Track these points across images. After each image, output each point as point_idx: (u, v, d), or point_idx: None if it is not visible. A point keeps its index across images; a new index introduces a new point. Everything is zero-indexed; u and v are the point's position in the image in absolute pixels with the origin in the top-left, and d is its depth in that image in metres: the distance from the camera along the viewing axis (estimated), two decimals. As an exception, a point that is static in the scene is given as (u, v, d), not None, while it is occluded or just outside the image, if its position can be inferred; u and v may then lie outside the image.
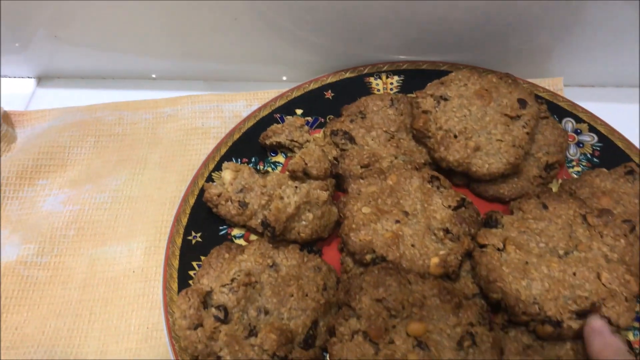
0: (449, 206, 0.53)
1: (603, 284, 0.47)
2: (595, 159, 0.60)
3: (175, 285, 0.51)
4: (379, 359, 0.43)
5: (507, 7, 0.61)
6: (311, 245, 0.55)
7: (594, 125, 0.62)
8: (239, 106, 0.68)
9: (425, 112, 0.60)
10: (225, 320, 0.48)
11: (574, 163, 0.60)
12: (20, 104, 0.73)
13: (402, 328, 0.45)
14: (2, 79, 0.75)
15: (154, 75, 0.75)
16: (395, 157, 0.60)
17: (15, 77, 0.76)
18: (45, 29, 0.70)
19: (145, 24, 0.68)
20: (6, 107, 0.68)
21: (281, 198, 0.53)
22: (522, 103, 0.59)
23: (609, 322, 0.46)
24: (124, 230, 0.59)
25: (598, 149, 0.60)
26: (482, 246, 0.51)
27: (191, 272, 0.52)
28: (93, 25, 0.69)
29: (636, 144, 0.60)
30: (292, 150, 0.60)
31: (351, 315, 0.46)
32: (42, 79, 0.76)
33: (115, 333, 0.53)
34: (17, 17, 0.68)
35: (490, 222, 0.53)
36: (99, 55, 0.73)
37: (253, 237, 0.55)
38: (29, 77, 0.76)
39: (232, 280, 0.49)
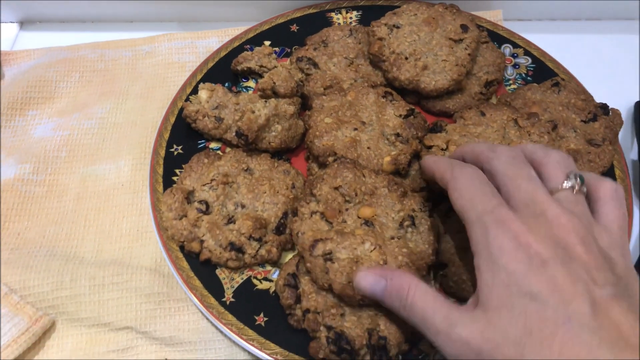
0: (400, 115, 0.61)
1: (529, 172, 0.56)
2: (529, 78, 0.68)
3: (160, 188, 0.58)
4: (331, 232, 0.51)
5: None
6: (281, 155, 0.62)
7: (529, 50, 0.70)
8: (212, 42, 0.74)
9: (380, 39, 0.67)
10: (206, 212, 0.55)
11: (511, 82, 0.69)
12: (5, 47, 0.77)
13: (354, 211, 0.53)
14: (-15, 23, 0.79)
15: (132, 20, 0.80)
16: (355, 80, 0.67)
17: (-2, 22, 0.80)
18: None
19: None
20: (-8, 49, 0.73)
21: (252, 112, 0.60)
22: (465, 28, 0.66)
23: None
24: (111, 151, 0.65)
25: (532, 69, 0.69)
26: (429, 147, 0.59)
27: (174, 178, 0.59)
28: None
29: (565, 65, 0.68)
30: (261, 76, 0.67)
31: (312, 200, 0.53)
32: (25, 24, 0.80)
33: (109, 236, 0.59)
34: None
35: (435, 129, 0.61)
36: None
37: (229, 149, 0.62)
38: (11, 22, 0.80)
39: (212, 180, 0.56)
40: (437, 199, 0.58)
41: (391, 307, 0.44)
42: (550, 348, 0.34)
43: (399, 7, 0.70)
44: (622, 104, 0.66)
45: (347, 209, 0.53)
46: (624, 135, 0.67)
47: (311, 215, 0.52)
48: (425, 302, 0.41)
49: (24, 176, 0.63)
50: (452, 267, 0.53)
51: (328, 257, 0.49)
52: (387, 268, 0.47)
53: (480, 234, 0.40)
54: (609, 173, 0.59)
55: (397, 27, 0.67)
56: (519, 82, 0.68)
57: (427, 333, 0.40)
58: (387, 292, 0.44)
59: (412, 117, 0.61)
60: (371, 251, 0.49)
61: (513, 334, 0.35)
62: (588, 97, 0.63)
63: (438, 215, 0.56)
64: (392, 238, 0.51)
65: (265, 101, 0.61)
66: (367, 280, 0.45)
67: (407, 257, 0.49)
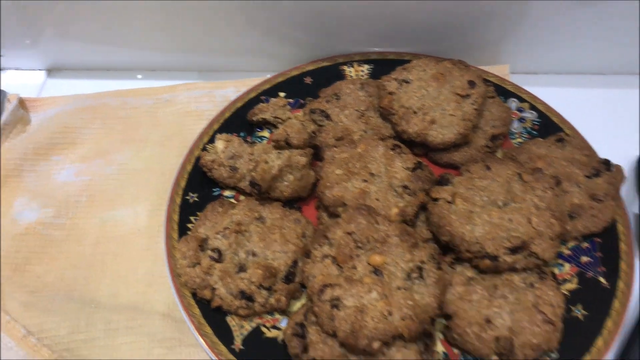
0: (408, 167, 0.63)
1: (533, 227, 0.57)
2: (534, 132, 0.70)
3: (175, 235, 0.60)
4: (341, 278, 0.52)
5: (462, 6, 0.71)
6: (292, 203, 0.65)
7: (534, 104, 0.72)
8: (229, 92, 0.78)
9: (390, 93, 0.70)
10: (219, 260, 0.57)
11: (517, 135, 0.71)
12: (33, 93, 0.81)
13: (364, 258, 0.54)
14: (16, 71, 0.84)
15: (154, 69, 0.84)
16: (365, 132, 0.69)
17: (27, 70, 0.85)
18: (53, 27, 0.79)
19: (145, 21, 0.77)
20: (21, 95, 0.77)
21: (266, 162, 0.62)
22: (472, 84, 0.69)
23: (537, 257, 0.56)
24: (129, 197, 0.68)
25: (537, 123, 0.71)
26: (435, 199, 0.61)
27: (189, 225, 0.61)
28: (97, 22, 0.78)
29: (569, 120, 0.70)
30: (276, 126, 0.70)
31: (325, 243, 0.55)
32: (52, 71, 0.85)
33: (125, 281, 0.61)
34: (27, 16, 0.77)
35: (442, 181, 0.62)
36: (103, 49, 0.82)
37: (242, 198, 0.65)
38: (39, 70, 0.85)
39: (225, 228, 0.59)
40: (443, 250, 0.59)
41: None
42: None
43: (409, 61, 0.73)
44: (625, 158, 0.68)
45: (358, 255, 0.54)
46: (628, 188, 0.68)
47: (323, 259, 0.54)
48: None
49: (45, 220, 0.65)
50: (456, 319, 0.54)
51: (335, 303, 0.51)
52: None
53: None
54: (611, 228, 0.60)
55: (407, 82, 0.70)
56: (525, 135, 0.70)
57: None
58: None
59: (419, 169, 0.63)
60: (377, 301, 0.51)
61: None
62: (591, 153, 0.65)
63: (445, 266, 0.57)
64: (399, 288, 0.52)
65: (279, 152, 0.63)
66: None
67: (411, 309, 0.51)
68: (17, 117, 0.74)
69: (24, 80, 0.82)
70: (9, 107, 0.74)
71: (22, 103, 0.75)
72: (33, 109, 0.77)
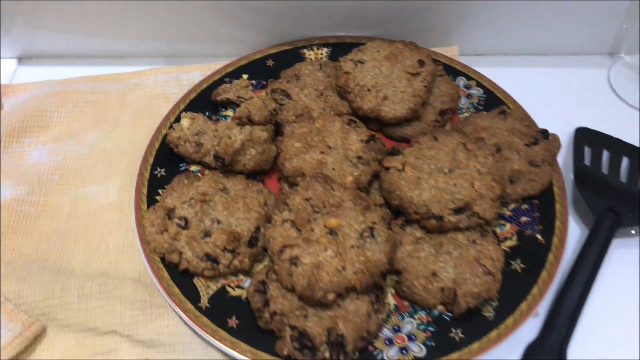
0: (362, 140, 0.68)
1: (475, 190, 0.62)
2: (480, 107, 0.76)
3: (144, 207, 0.64)
4: (299, 239, 0.57)
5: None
6: (255, 176, 0.69)
7: (480, 82, 0.78)
8: (195, 75, 0.81)
9: (346, 72, 0.74)
10: (185, 227, 0.61)
11: (464, 110, 0.76)
12: (4, 81, 0.84)
13: (321, 221, 0.59)
14: (-14, 60, 0.86)
15: (122, 56, 0.88)
16: (324, 110, 0.74)
17: (-3, 58, 0.87)
18: (23, 16, 0.82)
19: (113, 10, 0.80)
20: (-8, 83, 0.80)
21: (229, 137, 0.66)
22: (421, 63, 0.74)
23: (479, 217, 0.61)
24: (100, 175, 0.71)
25: (483, 99, 0.76)
26: (387, 168, 0.65)
27: (157, 197, 0.65)
28: (66, 12, 0.80)
29: (513, 96, 0.76)
30: (239, 106, 0.74)
31: (285, 209, 0.60)
32: (23, 59, 0.87)
33: (97, 251, 0.65)
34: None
35: (393, 152, 0.67)
36: (72, 37, 0.85)
37: (207, 172, 0.69)
38: (10, 58, 0.87)
39: (191, 198, 0.63)
40: (394, 214, 0.64)
41: None
42: None
43: (364, 44, 0.78)
44: (563, 130, 0.74)
45: (315, 219, 0.59)
46: (566, 157, 0.74)
47: (283, 223, 0.59)
48: None
49: (20, 197, 0.68)
50: (406, 273, 0.59)
51: (293, 261, 0.55)
52: None
53: None
54: (548, 190, 0.66)
55: (362, 62, 0.75)
56: (472, 110, 0.76)
57: None
58: None
59: (372, 142, 0.68)
60: (332, 258, 0.55)
61: None
62: (531, 124, 0.71)
63: (396, 228, 0.62)
64: (353, 247, 0.57)
65: (241, 128, 0.67)
66: None
67: (363, 264, 0.55)
68: (-11, 102, 0.76)
69: (-5, 69, 0.85)
70: (-20, 93, 0.76)
71: (-7, 89, 0.78)
72: (5, 94, 0.80)
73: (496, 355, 0.57)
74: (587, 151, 0.73)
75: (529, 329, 0.59)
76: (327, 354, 0.52)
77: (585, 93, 0.83)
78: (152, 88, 0.81)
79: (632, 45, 0.85)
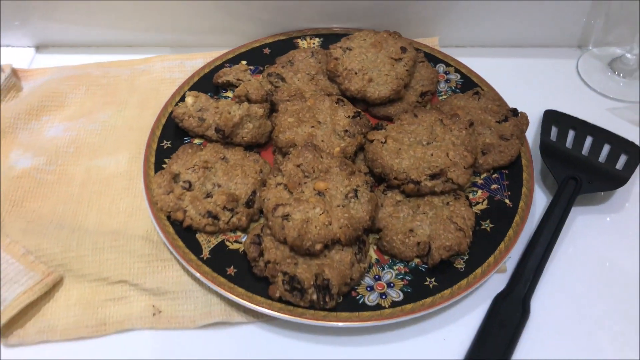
0: (349, 116, 0.75)
1: (449, 159, 0.69)
2: (457, 90, 0.83)
3: (152, 173, 0.71)
4: (291, 199, 0.64)
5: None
6: (252, 148, 0.76)
7: (459, 68, 0.85)
8: (198, 62, 0.89)
9: (335, 58, 0.82)
10: (189, 189, 0.68)
11: (443, 93, 0.84)
12: (24, 67, 0.91)
13: (310, 185, 0.66)
14: (7, 48, 0.94)
15: (131, 45, 0.95)
16: (315, 92, 0.81)
17: (18, 47, 0.94)
18: (40, 9, 0.90)
19: (123, 3, 0.88)
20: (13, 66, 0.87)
21: (229, 112, 0.73)
22: (404, 50, 0.81)
23: (452, 182, 0.68)
24: (111, 148, 0.78)
25: (460, 83, 0.84)
26: (371, 141, 0.73)
27: (164, 165, 0.72)
28: (80, 5, 0.88)
29: (488, 80, 0.83)
30: (238, 87, 0.81)
31: (278, 174, 0.67)
32: (40, 48, 0.95)
33: (108, 213, 0.71)
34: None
35: (377, 127, 0.74)
36: (86, 28, 0.92)
37: (209, 144, 0.76)
38: (29, 47, 0.95)
39: (194, 165, 0.70)
40: (377, 181, 0.71)
41: None
42: None
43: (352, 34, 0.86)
44: (535, 113, 0.81)
45: (305, 182, 0.66)
46: (535, 135, 0.81)
47: (276, 186, 0.66)
48: None
49: (39, 166, 0.75)
50: (386, 230, 0.66)
51: (285, 217, 0.62)
52: None
53: None
54: (516, 161, 0.73)
55: (350, 49, 0.82)
56: (450, 94, 0.83)
57: None
58: None
59: (358, 117, 0.75)
60: (320, 214, 0.62)
61: None
62: (502, 104, 0.78)
63: (378, 192, 0.69)
64: (338, 206, 0.64)
65: (240, 105, 0.75)
66: None
67: (347, 220, 0.62)
68: (10, 84, 0.83)
69: (15, 56, 0.92)
70: (3, 76, 0.84)
71: (14, 72, 0.85)
72: (24, 78, 0.87)
73: (468, 305, 0.64)
74: (554, 130, 0.80)
75: (497, 284, 0.66)
76: (314, 296, 0.59)
77: (555, 81, 0.90)
78: (159, 73, 0.88)
79: (598, 38, 0.93)
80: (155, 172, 0.71)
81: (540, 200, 0.74)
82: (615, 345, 0.61)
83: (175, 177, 0.69)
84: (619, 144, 0.77)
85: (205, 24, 0.92)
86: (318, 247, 0.61)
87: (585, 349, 0.61)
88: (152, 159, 0.73)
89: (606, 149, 0.78)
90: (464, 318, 0.64)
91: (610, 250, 0.69)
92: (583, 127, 0.80)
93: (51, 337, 0.61)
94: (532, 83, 0.90)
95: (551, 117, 0.81)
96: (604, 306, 0.64)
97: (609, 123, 0.80)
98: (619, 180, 0.73)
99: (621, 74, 0.90)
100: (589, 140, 0.79)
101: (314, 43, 0.89)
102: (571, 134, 0.80)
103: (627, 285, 0.66)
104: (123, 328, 0.62)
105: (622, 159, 0.76)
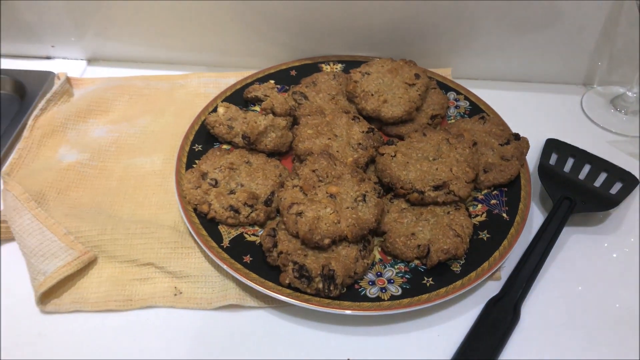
0: (363, 131, 0.82)
1: (452, 173, 0.75)
2: (466, 115, 0.90)
3: (183, 171, 0.79)
4: (305, 200, 0.70)
5: (416, 23, 0.93)
6: (273, 156, 0.84)
7: (468, 96, 0.92)
8: (230, 80, 0.97)
9: (355, 81, 0.90)
10: (215, 186, 0.75)
11: (452, 118, 0.91)
12: (76, 76, 1.02)
13: (324, 188, 0.73)
14: (63, 60, 1.05)
15: (171, 63, 1.06)
16: (334, 109, 0.89)
17: (72, 59, 1.06)
18: (93, 28, 1.01)
19: (166, 26, 0.98)
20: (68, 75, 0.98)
21: (255, 122, 0.82)
22: (417, 76, 0.89)
23: (454, 194, 0.74)
24: (148, 150, 0.87)
25: (468, 109, 0.91)
26: (382, 154, 0.80)
27: (194, 165, 0.80)
28: (128, 26, 0.99)
29: (495, 109, 0.90)
30: (265, 102, 0.90)
31: (295, 177, 0.74)
32: (91, 61, 1.05)
33: (141, 205, 0.79)
34: (74, 19, 0.99)
35: (388, 142, 0.82)
36: (132, 46, 1.03)
37: (235, 150, 0.84)
38: (81, 59, 1.06)
39: (221, 165, 0.78)
40: (385, 190, 0.78)
41: None
42: None
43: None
44: (537, 142, 0.87)
45: (319, 186, 0.73)
46: (536, 161, 0.87)
47: (293, 187, 0.73)
48: None
49: (83, 161, 0.84)
50: (390, 233, 0.72)
51: (299, 214, 0.69)
52: None
53: None
54: (516, 181, 0.79)
55: (368, 74, 0.90)
56: (458, 118, 0.90)
57: None
58: None
59: (372, 133, 0.82)
60: (330, 214, 0.69)
61: None
62: (506, 128, 0.85)
63: (385, 200, 0.76)
64: (347, 208, 0.71)
65: (265, 116, 0.83)
66: None
67: (355, 220, 0.69)
68: (64, 89, 0.94)
69: (70, 67, 1.03)
70: (58, 82, 0.94)
71: (68, 80, 0.96)
72: (76, 85, 0.97)
73: (462, 307, 0.70)
74: (553, 156, 0.86)
75: (491, 290, 0.71)
76: (320, 284, 0.65)
77: (560, 114, 0.97)
78: (195, 88, 0.98)
79: (603, 77, 1.00)
80: (186, 170, 0.79)
81: (536, 219, 0.80)
82: (601, 350, 0.66)
83: (203, 175, 0.76)
84: (616, 172, 0.83)
85: (239, 47, 1.01)
86: (326, 241, 0.67)
87: (573, 352, 0.65)
88: (184, 159, 0.81)
89: (603, 176, 0.83)
90: (458, 318, 0.69)
91: (601, 266, 0.74)
92: (582, 156, 0.86)
93: (83, 308, 0.68)
94: (538, 114, 0.96)
95: (552, 145, 0.87)
96: (593, 313, 0.69)
97: (610, 155, 0.86)
98: (612, 202, 0.78)
99: (622, 111, 0.96)
100: (587, 168, 0.84)
101: (336, 68, 0.98)
102: (570, 161, 0.85)
103: (619, 296, 0.71)
104: (147, 304, 0.69)
105: (618, 186, 0.81)
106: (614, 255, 0.75)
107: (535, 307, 0.70)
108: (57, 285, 0.68)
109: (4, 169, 0.82)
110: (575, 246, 0.76)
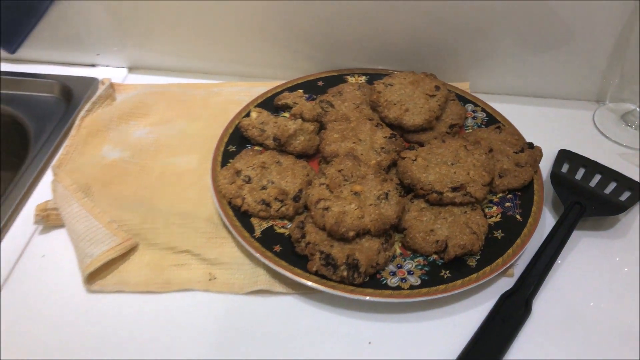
0: (385, 136, 0.88)
1: (470, 177, 0.81)
2: (482, 126, 0.96)
3: (218, 168, 0.85)
4: (331, 196, 0.76)
5: (437, 39, 1.00)
6: (301, 158, 0.90)
7: (485, 108, 0.98)
8: (261, 90, 1.04)
9: (378, 91, 0.96)
10: (248, 182, 0.81)
11: (469, 128, 0.96)
12: (118, 82, 1.10)
13: (349, 187, 0.78)
14: (106, 67, 1.13)
15: (207, 73, 1.13)
16: (358, 117, 0.95)
17: (114, 67, 1.14)
18: (135, 39, 1.09)
19: (202, 38, 1.06)
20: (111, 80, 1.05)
21: (285, 126, 0.88)
22: (437, 88, 0.95)
23: (471, 195, 0.79)
24: (185, 150, 0.93)
25: (485, 121, 0.97)
26: (403, 158, 0.85)
27: (228, 164, 0.87)
28: (167, 38, 1.07)
29: (510, 120, 0.96)
30: (294, 109, 0.96)
31: (322, 176, 0.80)
32: (132, 69, 1.13)
33: (179, 199, 0.85)
34: (117, 30, 1.07)
35: (409, 147, 0.87)
36: (171, 57, 1.11)
37: (267, 151, 0.90)
38: (123, 67, 1.14)
39: (254, 164, 0.84)
40: (406, 191, 0.83)
41: None
42: None
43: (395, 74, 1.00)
44: (550, 153, 0.92)
45: (344, 184, 0.79)
46: (549, 170, 0.92)
47: (320, 185, 0.79)
48: None
49: (124, 158, 0.91)
50: (410, 229, 0.77)
51: (325, 209, 0.74)
52: None
53: None
54: (529, 186, 0.84)
55: (391, 85, 0.97)
56: (475, 128, 0.96)
57: None
58: None
59: (394, 138, 0.88)
60: (355, 209, 0.75)
61: None
62: (520, 137, 0.90)
63: (406, 200, 0.81)
64: (371, 205, 0.76)
65: (294, 120, 0.89)
66: None
67: (377, 216, 0.74)
68: (107, 93, 1.01)
69: (112, 74, 1.11)
70: (102, 87, 1.02)
71: (112, 85, 1.03)
72: (118, 90, 1.05)
73: (477, 300, 0.74)
74: (565, 166, 0.91)
75: (504, 286, 0.76)
76: (344, 273, 0.70)
77: (572, 128, 1.02)
78: (228, 95, 1.05)
79: (614, 94, 1.05)
80: (221, 168, 0.85)
81: (548, 222, 0.84)
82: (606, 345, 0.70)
83: (237, 172, 0.83)
84: (625, 181, 0.87)
85: (270, 59, 1.09)
86: (351, 234, 0.73)
87: (584, 347, 0.69)
88: (219, 159, 0.87)
89: (612, 185, 0.87)
90: (472, 310, 0.73)
91: (609, 268, 0.78)
92: (593, 166, 0.90)
93: (124, 289, 0.74)
94: (551, 127, 1.01)
95: (564, 155, 0.92)
96: (603, 309, 0.73)
97: (620, 166, 0.90)
98: (621, 208, 0.83)
99: (633, 126, 1.01)
100: (597, 177, 0.89)
101: (361, 79, 1.04)
102: (581, 170, 0.90)
103: (624, 295, 0.75)
104: (183, 288, 0.74)
105: (627, 194, 0.86)
106: (621, 259, 0.80)
107: (546, 302, 0.74)
108: (102, 267, 0.74)
109: (53, 163, 0.89)
110: (585, 249, 0.81)
